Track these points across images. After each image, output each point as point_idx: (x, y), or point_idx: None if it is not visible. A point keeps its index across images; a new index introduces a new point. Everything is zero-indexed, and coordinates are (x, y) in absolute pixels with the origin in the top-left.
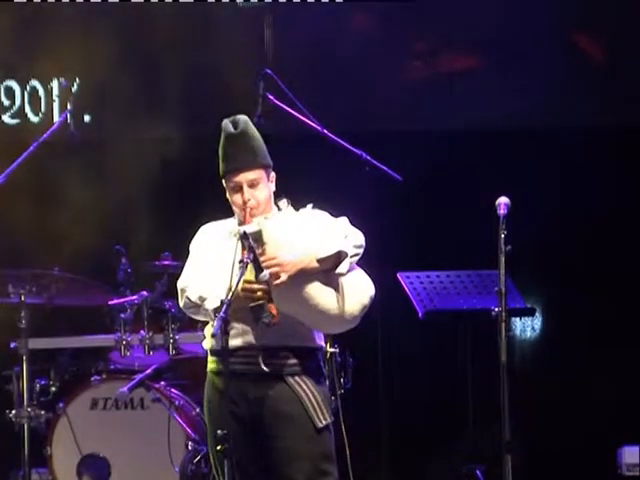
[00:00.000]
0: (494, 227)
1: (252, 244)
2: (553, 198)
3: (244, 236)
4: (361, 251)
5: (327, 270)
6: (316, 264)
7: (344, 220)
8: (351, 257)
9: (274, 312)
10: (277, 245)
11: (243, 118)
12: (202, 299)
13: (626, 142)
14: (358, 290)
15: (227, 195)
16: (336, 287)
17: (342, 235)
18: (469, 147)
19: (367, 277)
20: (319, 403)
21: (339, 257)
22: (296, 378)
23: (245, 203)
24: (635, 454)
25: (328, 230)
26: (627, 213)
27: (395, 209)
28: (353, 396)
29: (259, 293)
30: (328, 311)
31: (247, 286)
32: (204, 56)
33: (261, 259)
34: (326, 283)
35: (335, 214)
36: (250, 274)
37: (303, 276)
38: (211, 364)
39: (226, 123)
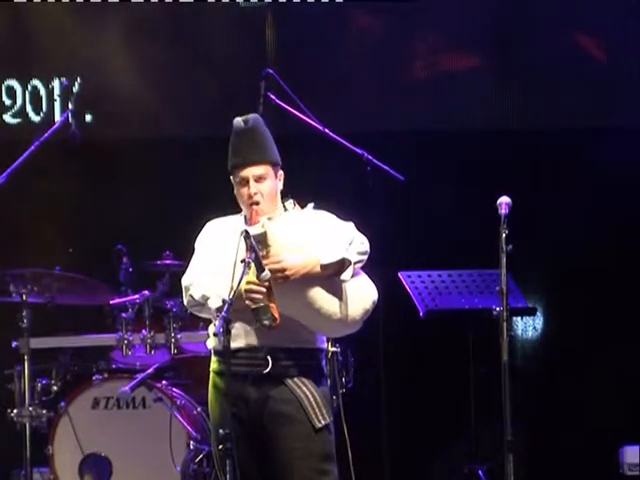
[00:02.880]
0: (495, 227)
1: (254, 244)
2: (553, 197)
3: (246, 236)
4: (365, 257)
5: (330, 275)
6: (319, 269)
7: (350, 225)
8: (355, 263)
9: (276, 314)
10: (281, 248)
11: (255, 116)
12: (205, 298)
13: (626, 142)
14: (361, 295)
15: (234, 191)
16: (339, 291)
17: (347, 241)
18: (469, 147)
19: (370, 282)
20: (318, 404)
21: (343, 264)
22: (295, 379)
23: (251, 197)
24: (636, 454)
25: (333, 235)
26: (627, 212)
27: (396, 208)
28: (354, 395)
29: (261, 295)
30: (330, 315)
31: (249, 287)
32: (205, 56)
33: (265, 262)
34: (329, 287)
35: (336, 214)
36: (252, 274)
37: (306, 280)
38: (213, 364)
39: (237, 120)
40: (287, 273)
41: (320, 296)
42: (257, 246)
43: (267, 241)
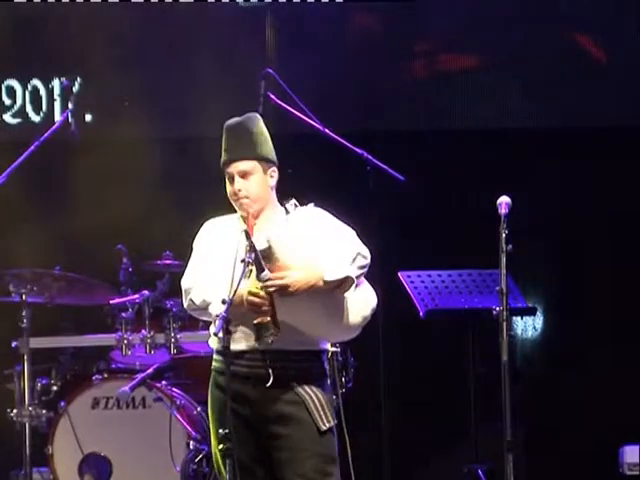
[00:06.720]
0: (495, 226)
1: (253, 243)
2: (553, 197)
3: (246, 236)
4: (366, 270)
5: (332, 289)
6: (322, 284)
7: (352, 235)
8: (356, 277)
9: (277, 326)
10: (285, 263)
11: (251, 114)
12: (206, 303)
13: (626, 142)
14: (360, 302)
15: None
16: (339, 300)
17: (350, 257)
18: (469, 147)
19: (370, 288)
20: (323, 406)
21: (346, 280)
22: (300, 381)
23: (235, 194)
24: (636, 453)
25: (336, 249)
26: (627, 212)
27: (396, 208)
28: (354, 395)
29: (264, 308)
30: (329, 323)
31: (252, 299)
32: (204, 56)
33: (269, 275)
34: (329, 295)
35: (335, 214)
36: (253, 284)
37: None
38: (215, 363)
39: (233, 118)
40: (290, 290)
41: (320, 304)
42: (262, 262)
43: (271, 256)
